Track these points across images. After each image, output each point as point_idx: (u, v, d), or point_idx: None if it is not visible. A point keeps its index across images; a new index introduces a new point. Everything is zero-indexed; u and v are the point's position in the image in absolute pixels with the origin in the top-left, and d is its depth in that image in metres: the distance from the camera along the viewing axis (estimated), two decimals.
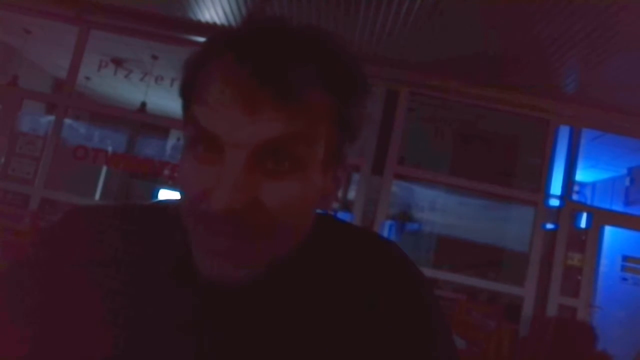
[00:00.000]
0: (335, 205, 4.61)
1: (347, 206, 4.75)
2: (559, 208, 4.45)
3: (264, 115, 0.43)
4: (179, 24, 4.24)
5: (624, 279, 5.35)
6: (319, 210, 0.56)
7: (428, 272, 4.38)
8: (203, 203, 0.44)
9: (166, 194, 6.66)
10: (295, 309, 0.50)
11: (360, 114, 0.50)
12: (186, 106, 0.48)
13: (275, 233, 0.45)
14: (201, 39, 4.69)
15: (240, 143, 0.43)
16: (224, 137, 0.43)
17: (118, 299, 0.49)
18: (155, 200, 0.61)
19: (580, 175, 5.71)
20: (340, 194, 0.55)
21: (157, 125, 5.67)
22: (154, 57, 4.98)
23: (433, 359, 0.51)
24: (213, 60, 0.46)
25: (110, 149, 4.85)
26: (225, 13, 3.92)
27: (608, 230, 4.81)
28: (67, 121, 4.58)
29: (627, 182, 5.73)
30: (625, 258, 5.34)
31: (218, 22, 4.11)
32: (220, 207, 0.42)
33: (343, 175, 0.54)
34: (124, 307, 0.49)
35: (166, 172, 4.51)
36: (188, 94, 0.48)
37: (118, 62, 5.28)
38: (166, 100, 5.68)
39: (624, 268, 5.35)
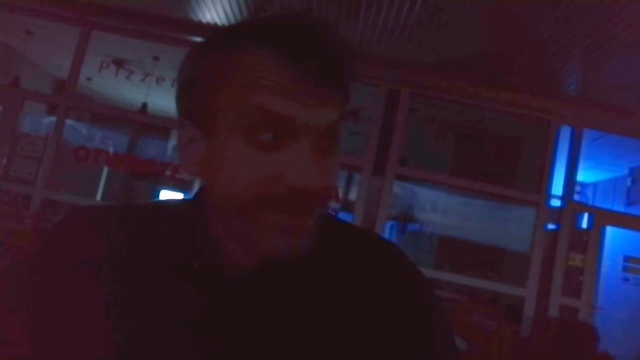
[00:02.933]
0: (335, 204, 4.61)
1: (348, 207, 4.76)
2: (560, 208, 4.44)
3: (327, 101, 0.48)
4: (180, 24, 4.25)
5: (626, 280, 5.34)
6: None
7: (429, 272, 4.37)
8: (274, 187, 0.46)
9: (167, 195, 6.67)
10: (296, 306, 0.51)
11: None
12: (229, 98, 0.48)
13: (326, 206, 0.51)
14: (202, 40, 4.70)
15: (313, 125, 0.47)
16: (301, 119, 0.46)
17: (121, 298, 0.50)
18: (154, 199, 0.62)
19: (581, 176, 5.71)
20: (336, 191, 0.60)
21: (158, 126, 5.68)
22: (155, 58, 4.99)
23: (433, 358, 0.52)
24: (261, 50, 0.46)
25: (111, 149, 4.86)
26: (226, 14, 3.93)
27: (609, 230, 4.81)
28: (69, 122, 4.59)
29: (628, 182, 5.72)
30: (626, 258, 5.34)
31: (219, 22, 4.12)
32: (300, 184, 0.46)
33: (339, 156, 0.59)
34: (127, 306, 0.50)
35: (167, 172, 4.52)
36: (237, 85, 0.47)
37: (119, 63, 5.29)
38: (167, 101, 5.68)
39: (625, 268, 5.34)
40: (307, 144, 0.47)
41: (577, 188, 5.63)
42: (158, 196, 6.62)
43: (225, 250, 0.51)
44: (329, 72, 0.47)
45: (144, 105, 5.37)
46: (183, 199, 0.60)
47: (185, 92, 0.52)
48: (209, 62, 0.49)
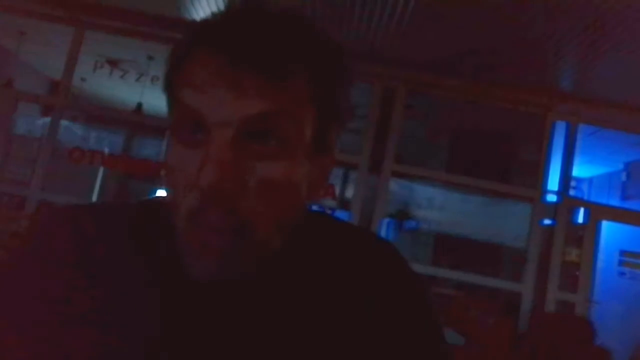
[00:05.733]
0: (331, 202, 4.61)
1: (345, 205, 4.76)
2: (556, 204, 4.46)
3: (248, 92, 0.43)
4: (174, 24, 4.23)
5: (622, 274, 5.37)
6: (316, 208, 0.55)
7: (427, 269, 4.38)
8: (191, 189, 0.43)
9: (163, 195, 6.63)
10: (288, 308, 0.49)
11: (345, 99, 0.49)
12: (171, 95, 0.48)
13: (264, 219, 0.44)
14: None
15: (225, 120, 0.43)
16: (210, 114, 0.43)
17: (105, 299, 0.47)
18: (145, 198, 0.59)
19: (577, 171, 5.73)
20: (333, 189, 0.55)
21: (153, 126, 5.66)
22: (150, 58, 4.97)
23: (428, 358, 0.51)
24: (196, 46, 0.46)
25: (106, 150, 4.85)
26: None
27: (605, 225, 4.83)
28: (63, 123, 4.57)
29: (623, 177, 5.74)
30: (622, 252, 5.36)
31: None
32: (208, 183, 0.41)
33: (330, 165, 0.52)
34: (111, 307, 0.47)
35: (163, 172, 4.50)
36: (172, 83, 0.48)
37: (113, 63, 5.26)
38: (162, 101, 5.62)
39: (621, 262, 5.37)
40: (219, 139, 0.42)
41: (573, 183, 5.65)
42: (153, 196, 6.59)
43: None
44: (255, 63, 0.42)
45: (139, 105, 5.35)
46: None
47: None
48: (168, 62, 0.49)
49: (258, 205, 0.44)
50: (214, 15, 0.48)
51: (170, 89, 0.48)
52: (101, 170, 6.21)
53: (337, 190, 4.71)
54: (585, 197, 6.18)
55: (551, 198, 4.50)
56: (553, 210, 4.45)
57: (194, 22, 0.49)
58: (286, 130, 0.44)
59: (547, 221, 4.47)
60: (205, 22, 0.47)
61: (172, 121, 0.46)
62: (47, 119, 4.50)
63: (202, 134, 0.44)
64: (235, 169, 0.42)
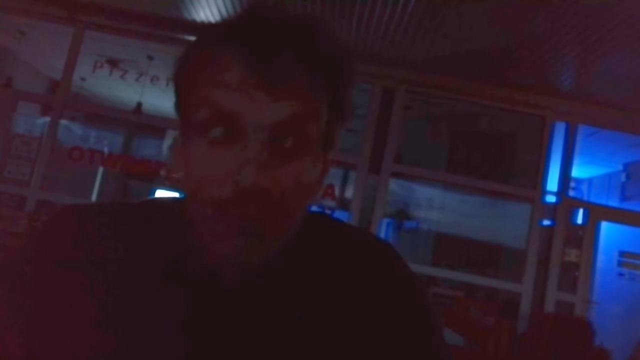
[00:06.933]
0: (331, 202, 4.61)
1: (344, 205, 4.76)
2: (555, 204, 4.46)
3: (281, 94, 0.45)
4: (173, 23, 4.23)
5: (621, 274, 5.37)
6: (314, 209, 0.56)
7: (426, 269, 4.38)
8: (224, 187, 0.45)
9: (163, 195, 6.63)
10: (288, 307, 0.50)
11: (349, 98, 0.52)
12: (188, 94, 0.48)
13: (289, 211, 0.47)
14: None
15: (262, 122, 0.45)
16: (246, 116, 0.45)
17: (110, 298, 0.48)
18: (148, 198, 0.60)
19: (576, 172, 5.73)
20: (333, 189, 0.56)
21: (153, 126, 5.66)
22: (150, 58, 4.97)
23: (425, 358, 0.51)
24: (221, 47, 0.47)
25: (106, 149, 4.84)
26: (220, 12, 3.92)
27: (604, 225, 4.83)
28: (63, 122, 4.57)
29: (623, 177, 5.74)
30: (621, 253, 5.36)
31: (213, 21, 4.10)
32: (249, 183, 0.43)
33: (330, 162, 0.54)
34: (116, 306, 0.48)
35: (163, 172, 4.51)
36: (195, 82, 0.48)
37: (113, 63, 5.26)
38: (162, 101, 5.66)
39: (620, 263, 5.37)
40: (255, 141, 0.44)
41: (572, 184, 5.65)
42: (153, 196, 6.58)
43: (212, 251, 0.49)
44: (284, 66, 0.45)
45: (139, 104, 5.35)
46: (178, 197, 0.57)
47: (174, 93, 0.51)
48: (181, 61, 0.50)
49: (284, 200, 0.46)
50: (233, 16, 0.49)
51: (191, 88, 0.48)
52: (101, 170, 6.21)
53: (337, 191, 4.72)
54: (585, 198, 6.18)
55: (550, 199, 4.50)
56: (552, 210, 4.45)
57: (213, 23, 0.50)
58: (310, 130, 0.47)
59: (546, 222, 4.47)
60: (227, 24, 0.49)
61: (197, 119, 0.47)
62: (47, 119, 4.50)
63: (234, 134, 0.45)
64: (271, 170, 0.45)
